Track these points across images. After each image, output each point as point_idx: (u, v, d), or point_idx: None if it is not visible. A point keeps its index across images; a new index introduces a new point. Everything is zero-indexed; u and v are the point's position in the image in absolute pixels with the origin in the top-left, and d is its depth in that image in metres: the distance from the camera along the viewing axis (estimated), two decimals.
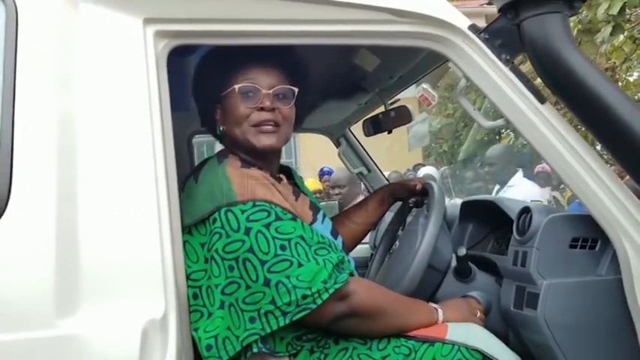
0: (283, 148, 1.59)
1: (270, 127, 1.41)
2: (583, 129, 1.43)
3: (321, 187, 6.03)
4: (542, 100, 1.39)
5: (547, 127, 1.38)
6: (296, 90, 1.46)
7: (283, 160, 1.69)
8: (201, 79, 1.51)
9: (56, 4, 1.22)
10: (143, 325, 1.10)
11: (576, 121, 1.39)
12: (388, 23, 1.38)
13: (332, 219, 1.90)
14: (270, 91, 1.41)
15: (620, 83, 9.63)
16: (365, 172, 2.76)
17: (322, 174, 6.41)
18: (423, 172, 6.06)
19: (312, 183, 6.23)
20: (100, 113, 1.21)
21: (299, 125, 1.56)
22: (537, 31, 1.33)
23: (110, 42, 1.24)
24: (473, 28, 1.41)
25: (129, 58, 1.25)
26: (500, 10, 1.39)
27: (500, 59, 1.40)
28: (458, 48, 1.41)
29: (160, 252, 1.17)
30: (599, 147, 1.52)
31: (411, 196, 1.85)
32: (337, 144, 2.78)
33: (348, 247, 1.81)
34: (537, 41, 1.33)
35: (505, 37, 1.40)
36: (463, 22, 1.41)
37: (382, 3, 1.36)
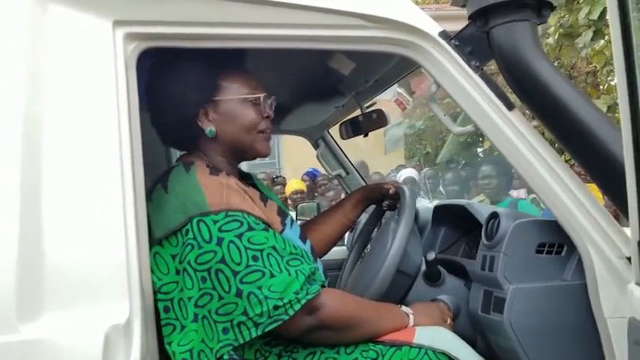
0: None
1: (269, 135, 1.49)
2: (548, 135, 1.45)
3: (304, 188, 6.03)
4: (510, 106, 1.41)
5: (515, 133, 1.40)
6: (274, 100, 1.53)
7: (266, 161, 1.71)
8: (187, 77, 1.44)
9: (23, 5, 1.21)
10: (106, 330, 1.09)
11: (543, 127, 1.41)
12: (359, 28, 1.39)
13: (306, 223, 1.91)
14: (270, 100, 1.48)
15: (601, 87, 9.73)
16: (343, 174, 2.76)
17: (308, 175, 6.40)
18: (403, 174, 6.07)
19: (295, 183, 6.23)
20: (67, 117, 1.20)
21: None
22: (506, 39, 1.35)
23: (78, 44, 1.23)
24: (443, 34, 1.42)
25: (97, 60, 1.24)
26: (470, 17, 1.41)
27: (469, 66, 1.41)
28: (428, 54, 1.42)
29: (125, 257, 1.16)
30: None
31: (384, 199, 1.86)
32: (316, 146, 2.78)
33: (323, 251, 1.83)
34: (505, 49, 1.35)
35: (475, 44, 1.41)
36: (433, 29, 1.42)
37: (353, 8, 1.37)
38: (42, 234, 1.12)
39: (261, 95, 1.46)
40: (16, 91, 1.17)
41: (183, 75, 1.44)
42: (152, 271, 1.29)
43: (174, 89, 1.45)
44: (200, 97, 1.44)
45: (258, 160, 1.70)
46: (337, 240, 1.88)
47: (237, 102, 1.44)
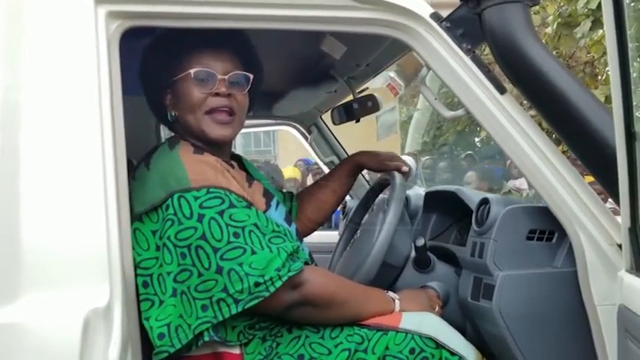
0: (262, 137, 1.56)
1: (225, 117, 1.40)
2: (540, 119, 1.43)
3: (299, 176, 6.01)
4: (502, 90, 1.38)
5: (506, 117, 1.37)
6: (251, 76, 1.44)
7: (262, 148, 1.66)
8: (151, 62, 1.47)
9: None
10: (85, 313, 1.06)
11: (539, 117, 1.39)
12: (349, 9, 1.36)
13: (302, 191, 1.88)
14: (226, 77, 1.39)
15: (599, 77, 9.69)
16: (336, 161, 2.74)
17: (303, 161, 6.38)
18: None
19: (290, 171, 6.21)
20: (46, 97, 1.17)
21: (250, 111, 1.53)
22: (497, 21, 1.32)
23: (59, 22, 1.20)
24: (435, 16, 1.39)
25: (78, 39, 1.20)
26: None
27: (461, 48, 1.38)
28: (419, 36, 1.39)
29: (105, 240, 1.14)
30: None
31: (379, 169, 1.75)
32: (308, 132, 2.75)
33: (317, 221, 1.80)
34: (497, 31, 1.32)
35: (466, 26, 1.38)
36: (425, 10, 1.39)
37: None
38: (20, 214, 1.10)
39: (205, 70, 1.37)
40: None
41: (147, 59, 1.46)
42: (132, 247, 1.27)
43: (142, 75, 1.49)
44: (164, 81, 1.43)
45: (253, 147, 1.67)
46: (332, 208, 1.83)
47: (183, 81, 1.39)
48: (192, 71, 1.37)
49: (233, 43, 1.44)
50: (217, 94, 1.38)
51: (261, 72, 1.51)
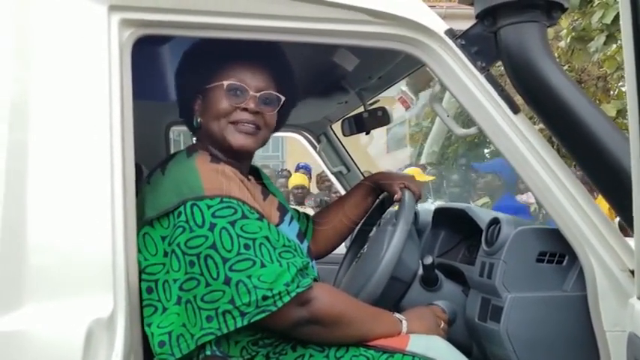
0: (271, 141, 1.55)
1: (249, 127, 1.40)
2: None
3: (306, 183, 6.00)
4: (515, 110, 1.37)
5: (519, 137, 1.36)
6: (282, 98, 1.44)
7: (270, 153, 1.65)
8: (187, 66, 1.48)
9: None
10: (88, 323, 1.06)
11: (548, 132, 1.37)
12: (363, 23, 1.35)
13: (316, 215, 1.86)
14: (258, 94, 1.40)
15: (612, 92, 9.63)
16: (344, 171, 2.72)
17: (298, 168, 6.40)
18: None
19: (297, 178, 6.20)
20: (57, 101, 1.17)
21: (278, 129, 1.53)
22: (513, 40, 1.31)
23: (72, 29, 1.20)
24: (450, 33, 1.38)
25: (91, 46, 1.20)
26: (477, 17, 1.37)
27: (475, 66, 1.37)
28: (433, 52, 1.38)
29: (111, 250, 1.13)
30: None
31: (393, 189, 1.70)
32: (318, 141, 2.74)
33: (334, 243, 1.79)
34: (513, 50, 1.31)
35: (482, 44, 1.37)
36: (440, 27, 1.38)
37: (357, 2, 1.33)
38: (25, 224, 1.09)
39: (238, 84, 1.37)
40: (3, 73, 1.14)
41: (185, 62, 1.46)
42: (139, 251, 1.26)
43: (177, 76, 1.50)
44: (197, 86, 1.43)
45: (260, 152, 1.66)
46: (348, 233, 1.82)
47: (215, 90, 1.39)
48: (225, 83, 1.38)
49: (272, 61, 1.45)
50: (245, 109, 1.38)
51: (295, 94, 1.50)
